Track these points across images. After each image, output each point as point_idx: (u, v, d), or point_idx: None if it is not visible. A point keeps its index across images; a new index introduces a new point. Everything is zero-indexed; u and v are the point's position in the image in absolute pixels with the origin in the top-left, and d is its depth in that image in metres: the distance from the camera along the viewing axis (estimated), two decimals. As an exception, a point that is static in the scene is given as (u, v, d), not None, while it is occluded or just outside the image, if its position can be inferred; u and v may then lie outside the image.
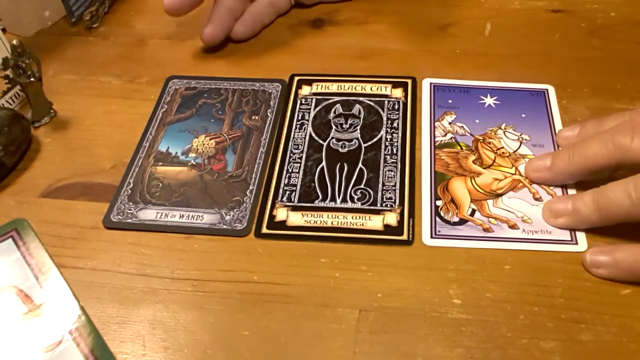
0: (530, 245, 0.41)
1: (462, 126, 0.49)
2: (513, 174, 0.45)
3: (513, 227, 0.42)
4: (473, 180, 0.45)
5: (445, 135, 0.48)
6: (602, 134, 0.41)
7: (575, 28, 0.56)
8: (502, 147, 0.47)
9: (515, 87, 0.51)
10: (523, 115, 0.49)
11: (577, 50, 0.54)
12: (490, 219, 0.43)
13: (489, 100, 0.50)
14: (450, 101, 0.50)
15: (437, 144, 0.47)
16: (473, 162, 0.46)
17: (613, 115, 0.44)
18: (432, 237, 0.42)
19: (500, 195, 0.44)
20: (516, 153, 0.47)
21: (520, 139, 0.47)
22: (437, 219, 0.43)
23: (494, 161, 0.46)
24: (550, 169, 0.43)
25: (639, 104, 0.49)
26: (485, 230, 0.42)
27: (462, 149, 0.47)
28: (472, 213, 0.43)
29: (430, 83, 0.52)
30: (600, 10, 0.58)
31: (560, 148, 0.46)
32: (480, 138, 0.48)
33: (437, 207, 0.44)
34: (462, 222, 0.43)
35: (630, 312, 0.38)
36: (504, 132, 0.48)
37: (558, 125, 0.48)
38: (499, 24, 0.57)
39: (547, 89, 0.51)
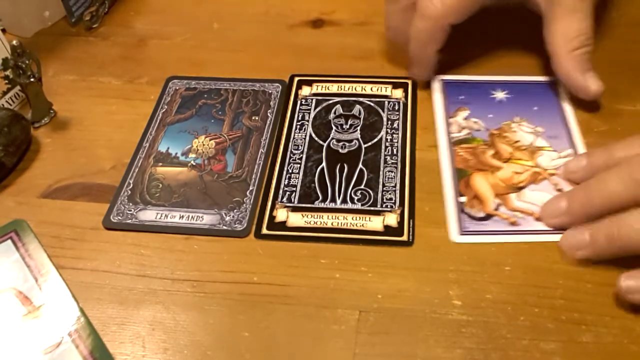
0: (558, 237, 0.41)
1: (476, 121, 0.48)
2: (532, 167, 0.45)
3: (539, 219, 0.42)
4: (494, 175, 0.45)
5: (461, 131, 0.48)
6: (618, 170, 0.39)
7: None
8: (519, 140, 0.47)
9: (524, 80, 0.51)
10: (535, 108, 0.49)
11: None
12: (516, 213, 0.43)
13: (500, 95, 0.50)
14: (461, 97, 0.50)
15: (453, 140, 0.47)
16: (491, 156, 0.46)
17: (620, 143, 0.42)
18: (460, 233, 0.42)
19: (522, 188, 0.44)
20: (533, 145, 0.47)
21: (535, 131, 0.47)
22: (463, 215, 0.43)
23: (512, 155, 0.46)
24: (568, 212, 0.41)
25: (639, 104, 0.49)
26: (512, 224, 0.42)
27: (479, 144, 0.47)
28: (497, 207, 0.43)
29: (441, 79, 0.52)
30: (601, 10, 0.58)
31: (569, 184, 0.44)
32: (496, 132, 0.48)
33: (461, 203, 0.43)
34: (488, 217, 0.43)
35: (631, 314, 0.38)
36: (518, 125, 0.48)
37: (570, 116, 0.48)
38: (498, 23, 0.57)
39: (555, 80, 0.50)
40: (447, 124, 0.49)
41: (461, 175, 0.45)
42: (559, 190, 0.43)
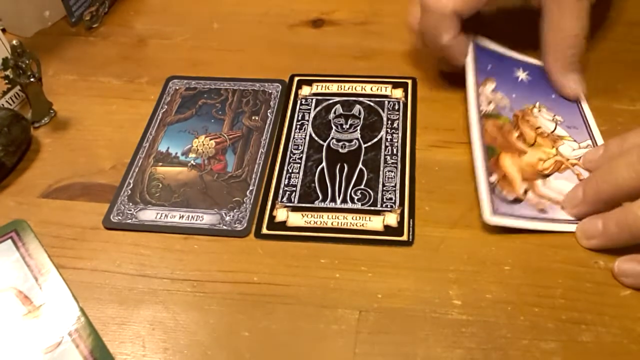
0: None
1: (502, 97, 0.48)
2: (555, 155, 0.45)
3: (563, 208, 0.42)
4: (520, 158, 0.45)
5: (489, 104, 0.47)
6: (627, 157, 0.40)
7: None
8: (540, 127, 0.47)
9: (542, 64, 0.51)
10: (553, 96, 0.49)
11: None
12: (542, 200, 0.43)
13: (522, 75, 0.50)
14: (489, 67, 0.50)
15: (482, 113, 0.47)
16: (517, 138, 0.46)
17: (634, 131, 0.43)
18: (492, 214, 0.41)
19: (548, 175, 0.44)
20: (554, 134, 0.47)
21: (555, 119, 0.48)
22: (494, 196, 0.42)
23: (535, 140, 0.46)
24: (584, 201, 0.41)
25: (639, 104, 0.49)
26: (540, 210, 0.42)
27: (505, 123, 0.47)
28: (525, 192, 0.43)
29: (475, 43, 0.50)
30: (600, 10, 0.58)
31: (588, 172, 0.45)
32: (519, 114, 0.48)
33: (491, 183, 0.43)
34: (517, 201, 0.42)
35: (630, 313, 0.38)
36: (539, 111, 0.48)
37: (586, 108, 0.49)
38: (497, 23, 0.57)
39: None
40: (477, 92, 0.47)
41: (490, 153, 0.45)
42: (582, 179, 0.44)
